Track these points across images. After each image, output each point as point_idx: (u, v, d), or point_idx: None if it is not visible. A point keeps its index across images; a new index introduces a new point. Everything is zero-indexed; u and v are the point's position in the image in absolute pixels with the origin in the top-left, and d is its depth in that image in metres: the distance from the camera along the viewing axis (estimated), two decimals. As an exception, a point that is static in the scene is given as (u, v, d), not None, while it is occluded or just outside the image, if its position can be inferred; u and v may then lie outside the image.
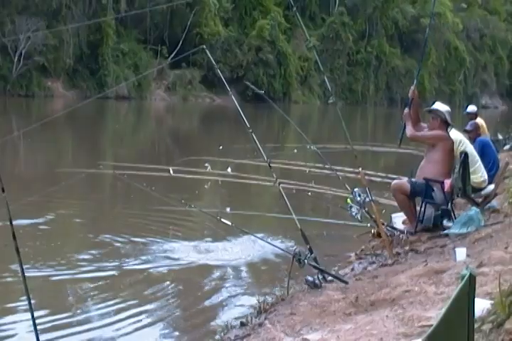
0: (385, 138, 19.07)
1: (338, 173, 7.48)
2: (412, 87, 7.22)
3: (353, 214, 6.42)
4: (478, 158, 7.63)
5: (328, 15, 53.25)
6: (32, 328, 3.20)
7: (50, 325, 4.78)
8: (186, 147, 18.42)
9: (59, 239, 7.52)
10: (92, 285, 5.78)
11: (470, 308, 1.89)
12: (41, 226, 7.84)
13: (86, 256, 6.67)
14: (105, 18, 39.67)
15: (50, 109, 31.55)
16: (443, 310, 1.74)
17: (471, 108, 11.71)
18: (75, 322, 4.92)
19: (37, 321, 3.27)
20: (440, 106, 7.11)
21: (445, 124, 7.00)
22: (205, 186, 10.63)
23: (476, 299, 3.84)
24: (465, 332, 1.86)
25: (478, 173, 7.49)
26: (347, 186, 6.78)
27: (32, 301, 3.20)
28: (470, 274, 1.91)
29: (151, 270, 6.30)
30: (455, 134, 7.43)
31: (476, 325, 3.34)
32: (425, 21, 51.37)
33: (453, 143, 6.98)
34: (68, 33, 38.64)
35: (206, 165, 10.27)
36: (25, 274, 3.15)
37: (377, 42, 54.43)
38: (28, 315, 3.15)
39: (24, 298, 4.33)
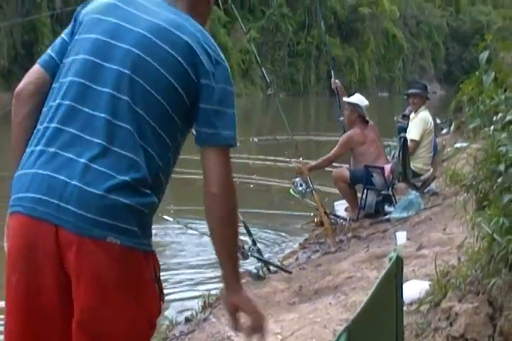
0: (327, 127, 19.14)
1: (278, 164, 7.49)
2: (333, 79, 7.34)
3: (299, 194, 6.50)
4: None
5: (268, 7, 53.25)
6: None
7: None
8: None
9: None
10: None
11: (398, 290, 1.88)
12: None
13: None
14: (40, 15, 38.78)
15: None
16: (369, 293, 1.73)
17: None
18: None
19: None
20: (360, 100, 7.21)
21: (362, 117, 7.14)
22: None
23: (415, 281, 3.89)
24: (393, 314, 1.85)
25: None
26: (287, 177, 6.80)
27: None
28: (397, 256, 1.90)
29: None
30: (425, 115, 7.55)
31: (414, 307, 3.38)
32: (363, 10, 51.92)
33: (362, 133, 7.11)
34: (1, 33, 37.63)
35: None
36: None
37: (316, 33, 54.70)
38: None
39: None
